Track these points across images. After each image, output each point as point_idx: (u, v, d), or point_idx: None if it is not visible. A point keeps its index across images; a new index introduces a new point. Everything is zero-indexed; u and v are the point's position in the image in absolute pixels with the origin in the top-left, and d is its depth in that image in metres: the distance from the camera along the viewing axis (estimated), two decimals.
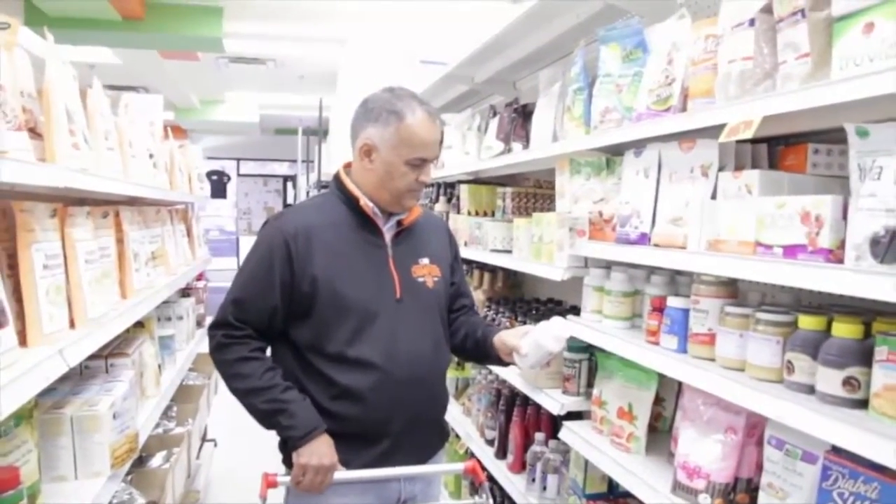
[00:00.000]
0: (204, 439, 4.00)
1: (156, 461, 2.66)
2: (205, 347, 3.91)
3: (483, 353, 1.86)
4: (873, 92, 1.07)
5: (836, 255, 1.18)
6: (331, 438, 1.65)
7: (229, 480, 4.16)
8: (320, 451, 1.62)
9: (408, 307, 1.74)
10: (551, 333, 1.67)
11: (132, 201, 2.68)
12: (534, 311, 2.71)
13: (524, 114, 2.85)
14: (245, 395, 1.67)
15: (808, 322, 1.29)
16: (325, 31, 5.85)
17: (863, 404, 1.17)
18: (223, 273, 13.64)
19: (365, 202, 1.74)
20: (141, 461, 2.61)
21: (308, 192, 7.64)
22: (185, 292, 3.63)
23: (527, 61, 3.19)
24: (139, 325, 2.49)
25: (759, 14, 1.40)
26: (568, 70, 2.30)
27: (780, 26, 1.33)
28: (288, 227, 1.70)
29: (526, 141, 2.73)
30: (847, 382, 1.19)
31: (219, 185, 14.65)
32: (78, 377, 2.03)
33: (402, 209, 1.78)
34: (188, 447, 2.97)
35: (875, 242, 1.08)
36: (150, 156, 2.68)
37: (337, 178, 1.82)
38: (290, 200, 15.26)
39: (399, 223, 1.80)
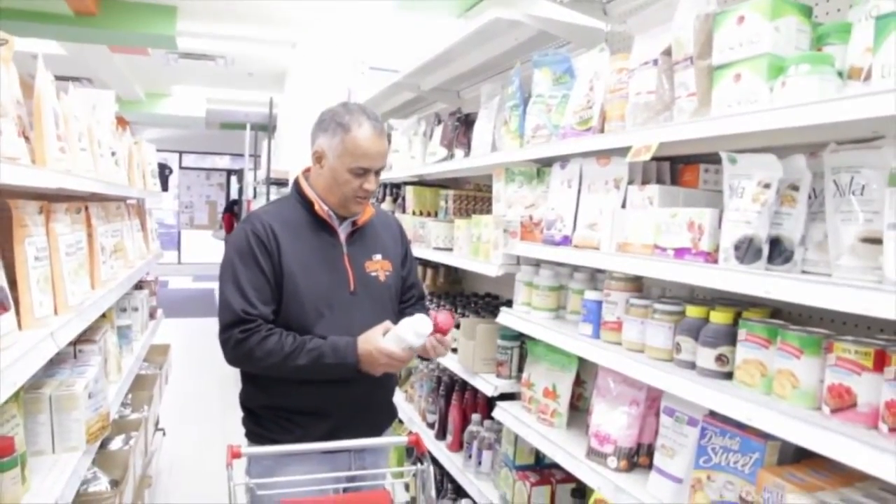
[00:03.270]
0: (156, 428, 4.11)
1: (116, 444, 2.80)
2: (157, 339, 4.06)
3: None
4: (740, 129, 1.36)
5: (713, 256, 1.47)
6: (365, 340, 1.82)
7: (179, 467, 4.30)
8: (370, 353, 1.80)
9: (361, 299, 1.96)
10: (413, 329, 1.82)
11: (96, 197, 2.80)
12: (472, 305, 2.97)
13: (466, 122, 3.10)
14: (284, 365, 1.79)
15: (692, 311, 1.58)
16: (276, 34, 5.98)
17: (730, 376, 1.46)
18: (165, 267, 13.38)
19: (320, 206, 1.94)
20: (102, 444, 2.74)
21: (255, 188, 7.73)
22: (139, 285, 3.75)
23: (470, 73, 3.45)
24: (102, 315, 2.63)
25: (661, 55, 1.68)
26: (506, 87, 2.56)
27: (676, 68, 1.61)
28: (258, 227, 1.89)
29: (467, 148, 2.98)
30: (719, 358, 1.48)
31: (161, 178, 14.41)
32: (48, 362, 2.17)
33: (349, 213, 1.97)
34: (145, 432, 3.11)
35: (737, 247, 1.37)
36: (113, 153, 2.81)
37: (296, 182, 2.02)
38: (233, 195, 15.16)
39: (353, 223, 2.01)
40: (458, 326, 2.72)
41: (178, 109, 10.89)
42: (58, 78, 1.96)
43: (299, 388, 1.88)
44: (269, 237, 1.87)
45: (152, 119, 11.65)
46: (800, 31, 1.38)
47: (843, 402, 1.18)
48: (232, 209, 13.91)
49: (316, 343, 1.81)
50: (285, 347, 1.79)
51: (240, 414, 2.02)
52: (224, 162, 16.79)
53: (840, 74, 1.29)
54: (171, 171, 15.74)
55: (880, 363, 1.14)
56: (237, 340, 1.80)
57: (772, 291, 1.25)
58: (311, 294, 1.89)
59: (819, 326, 1.42)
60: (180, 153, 16.21)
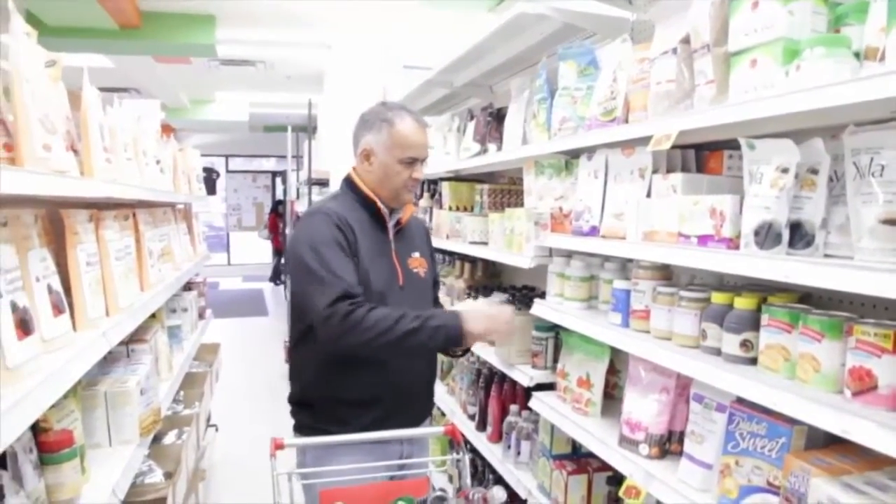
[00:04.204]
0: (207, 424, 4.27)
1: (169, 438, 2.93)
2: (207, 338, 4.20)
3: None
4: (758, 114, 1.36)
5: (734, 242, 1.48)
6: (468, 312, 1.87)
7: (231, 462, 4.46)
8: (477, 322, 1.85)
9: (408, 293, 2.03)
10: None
11: (143, 204, 2.93)
12: (510, 297, 3.00)
13: (498, 117, 3.13)
14: (393, 330, 1.79)
15: (717, 298, 1.59)
16: (312, 36, 6.10)
17: (754, 361, 1.47)
18: (214, 269, 13.76)
19: (380, 203, 2.03)
20: (156, 438, 2.88)
21: (298, 189, 7.89)
22: (188, 286, 3.89)
23: (501, 68, 3.47)
24: (152, 316, 2.76)
25: (680, 44, 1.69)
26: (534, 80, 2.58)
27: (695, 56, 1.62)
28: (335, 218, 1.93)
29: (500, 142, 3.01)
30: (743, 344, 1.49)
31: (208, 182, 14.84)
32: (103, 361, 2.29)
33: (400, 204, 2.07)
34: (197, 427, 3.24)
35: (757, 233, 1.38)
36: (157, 161, 2.94)
37: (350, 181, 2.08)
38: (279, 196, 15.48)
39: (398, 222, 2.09)
40: None
41: (222, 114, 11.18)
42: (106, 90, 2.07)
43: (353, 377, 1.95)
44: (348, 228, 1.93)
45: (197, 125, 11.99)
46: (816, 14, 1.37)
47: (863, 385, 1.18)
48: (276, 209, 14.21)
49: (419, 312, 1.85)
50: (393, 314, 1.81)
51: (287, 409, 2.10)
52: (269, 164, 17.13)
53: (857, 55, 1.29)
54: (218, 175, 16.16)
55: None
56: (346, 311, 1.78)
57: (791, 276, 1.26)
58: (375, 286, 1.96)
59: (847, 310, 1.42)
60: (226, 157, 16.60)
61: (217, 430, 4.63)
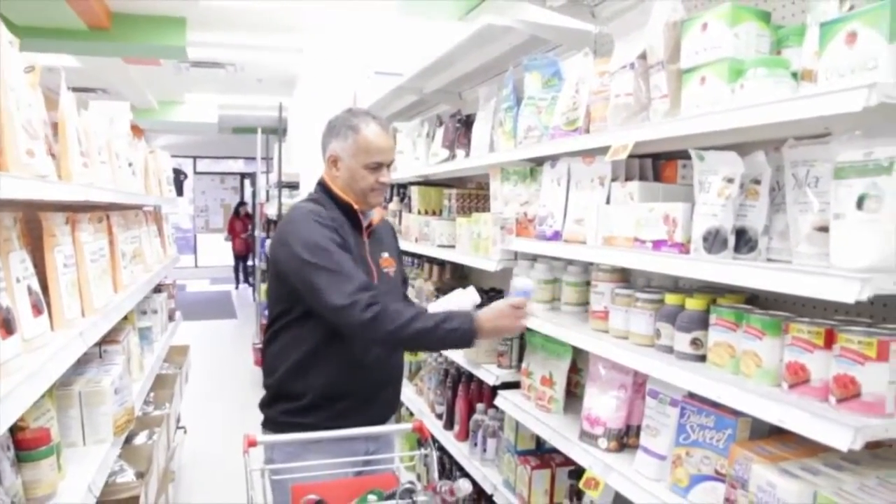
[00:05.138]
0: (176, 426, 4.27)
1: (140, 439, 2.95)
2: (180, 339, 4.21)
3: None
4: (707, 128, 1.47)
5: (686, 247, 1.58)
6: (483, 313, 1.93)
7: (200, 464, 4.47)
8: (492, 320, 1.91)
9: (381, 291, 2.09)
10: (470, 298, 2.00)
11: (115, 206, 2.95)
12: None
13: (466, 124, 3.22)
14: (411, 325, 1.86)
15: (670, 299, 1.70)
16: (284, 41, 6.13)
17: (703, 358, 1.57)
18: (181, 271, 13.62)
19: (356, 205, 2.08)
20: (127, 439, 2.89)
21: (268, 191, 7.89)
22: (158, 288, 3.90)
23: (470, 76, 3.57)
24: (124, 317, 2.78)
25: (637, 59, 1.79)
26: (501, 89, 2.68)
27: (650, 71, 1.72)
28: (321, 217, 1.99)
29: (468, 148, 3.10)
30: (693, 342, 1.59)
31: (176, 183, 14.66)
32: (77, 361, 2.31)
33: (369, 206, 2.13)
34: (167, 428, 3.26)
35: (705, 238, 1.48)
36: (129, 164, 2.97)
37: (325, 184, 2.13)
38: (247, 198, 15.39)
39: (370, 223, 2.16)
40: None
41: (191, 116, 11.11)
42: (75, 90, 2.09)
43: (322, 373, 2.00)
44: (335, 228, 1.99)
45: (166, 126, 11.88)
46: (759, 36, 1.48)
47: (798, 378, 1.29)
48: (237, 211, 14.08)
49: (436, 312, 1.93)
50: (410, 310, 1.89)
51: (256, 411, 2.15)
52: (238, 165, 17.02)
53: (795, 75, 1.40)
54: (185, 177, 15.99)
55: (829, 341, 1.25)
56: (369, 301, 1.84)
57: (735, 278, 1.37)
58: None
59: (790, 310, 1.53)
60: (194, 158, 16.45)
61: (185, 432, 4.63)
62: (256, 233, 8.50)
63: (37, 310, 1.53)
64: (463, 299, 2.14)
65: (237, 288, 13.86)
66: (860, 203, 1.17)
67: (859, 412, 1.16)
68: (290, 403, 2.07)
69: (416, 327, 1.86)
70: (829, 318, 1.37)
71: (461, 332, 1.88)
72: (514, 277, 1.93)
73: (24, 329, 1.44)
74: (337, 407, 2.03)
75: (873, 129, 1.19)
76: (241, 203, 14.62)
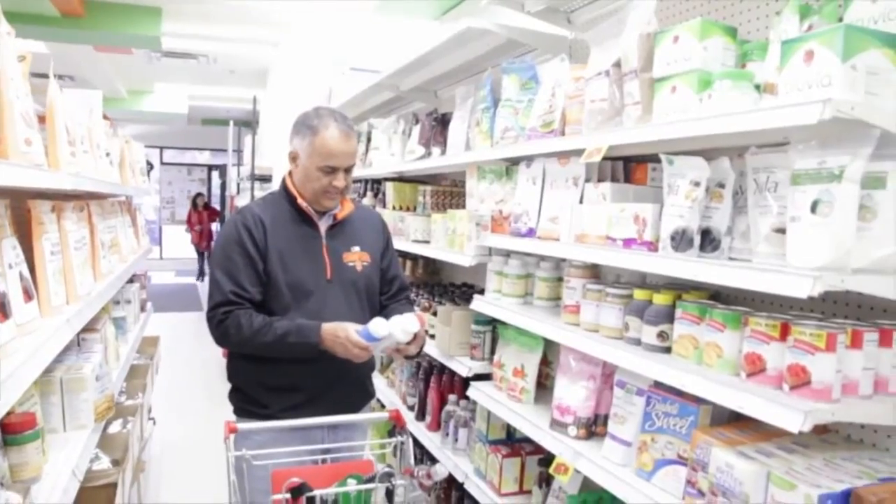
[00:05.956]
0: (147, 417, 4.27)
1: (114, 427, 2.96)
2: (148, 331, 4.20)
3: None
4: (676, 134, 1.57)
5: (654, 245, 1.68)
6: (337, 325, 1.97)
7: (169, 454, 4.47)
8: (334, 335, 1.96)
9: (336, 286, 2.14)
10: (401, 327, 1.95)
11: (93, 196, 2.96)
12: (449, 294, 3.17)
13: (443, 122, 3.29)
14: (253, 341, 1.98)
15: (639, 294, 1.79)
16: (259, 34, 6.11)
17: (669, 350, 1.67)
18: (148, 262, 13.48)
19: (301, 201, 2.13)
20: (103, 427, 2.91)
21: (239, 184, 7.86)
22: (131, 279, 3.90)
23: (447, 75, 3.64)
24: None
25: (612, 67, 1.88)
26: (479, 90, 2.75)
27: (624, 79, 1.82)
28: (247, 219, 2.08)
29: (444, 146, 3.17)
30: (660, 335, 1.69)
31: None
32: None
33: (322, 208, 2.15)
34: (141, 418, 3.28)
35: (673, 237, 1.58)
36: (107, 154, 2.98)
37: (283, 180, 2.21)
38: (215, 190, 15.22)
39: (334, 217, 2.19)
40: (435, 314, 2.92)
41: (160, 106, 10.97)
42: (39, 75, 2.07)
43: (272, 365, 2.06)
44: (258, 226, 2.06)
45: (134, 115, 11.70)
46: (726, 50, 1.59)
47: (755, 368, 1.40)
48: (195, 203, 13.83)
49: (284, 324, 2.00)
50: (254, 326, 1.98)
51: (225, 404, 2.20)
52: (204, 157, 16.83)
53: (758, 87, 1.51)
54: (152, 167, 15.71)
55: (784, 334, 1.35)
56: (219, 320, 2.00)
57: (699, 275, 1.47)
58: (290, 280, 2.07)
59: (750, 306, 1.64)
60: (161, 149, 16.22)
61: (155, 423, 4.62)
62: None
63: (27, 295, 1.56)
64: (395, 327, 1.95)
65: (200, 280, 13.69)
66: (814, 207, 1.27)
67: (809, 398, 1.27)
68: (244, 394, 2.14)
69: (260, 341, 1.98)
70: (785, 313, 1.48)
71: (302, 346, 1.97)
72: (371, 322, 1.93)
73: (17, 314, 1.47)
74: (285, 401, 2.07)
75: (828, 140, 1.30)
76: (199, 195, 14.28)
